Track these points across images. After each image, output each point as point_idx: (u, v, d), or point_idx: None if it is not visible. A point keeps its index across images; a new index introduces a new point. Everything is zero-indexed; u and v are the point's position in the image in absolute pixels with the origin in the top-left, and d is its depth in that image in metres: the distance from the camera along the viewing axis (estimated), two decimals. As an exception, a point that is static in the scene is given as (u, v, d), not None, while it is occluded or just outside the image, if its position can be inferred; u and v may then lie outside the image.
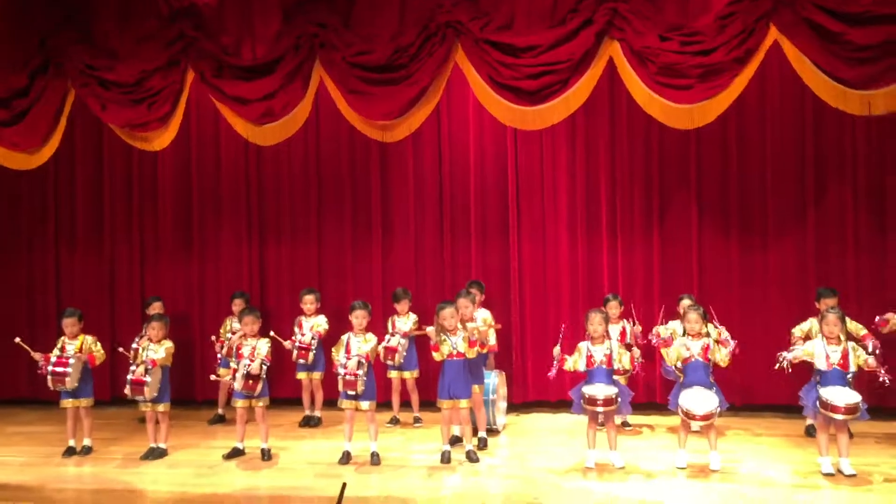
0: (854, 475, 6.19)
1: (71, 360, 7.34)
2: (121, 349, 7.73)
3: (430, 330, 6.91)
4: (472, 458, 6.83)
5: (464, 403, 6.83)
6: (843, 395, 6.15)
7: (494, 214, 9.03)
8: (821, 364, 6.35)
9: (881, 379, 6.23)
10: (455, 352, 6.77)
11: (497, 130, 8.83)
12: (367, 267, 9.25)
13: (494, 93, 7.66)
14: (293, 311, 8.88)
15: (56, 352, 7.47)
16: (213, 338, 8.55)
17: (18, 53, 8.38)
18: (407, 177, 9.21)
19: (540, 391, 8.78)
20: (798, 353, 6.44)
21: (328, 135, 9.27)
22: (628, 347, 7.43)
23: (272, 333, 7.83)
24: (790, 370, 6.45)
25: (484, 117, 8.65)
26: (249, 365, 7.02)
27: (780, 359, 6.44)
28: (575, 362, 6.72)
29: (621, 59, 7.39)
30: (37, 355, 7.41)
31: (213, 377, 7.63)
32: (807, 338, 7.15)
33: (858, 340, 6.86)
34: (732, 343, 6.56)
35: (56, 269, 9.98)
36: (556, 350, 6.72)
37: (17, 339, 7.50)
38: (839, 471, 6.26)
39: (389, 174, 9.25)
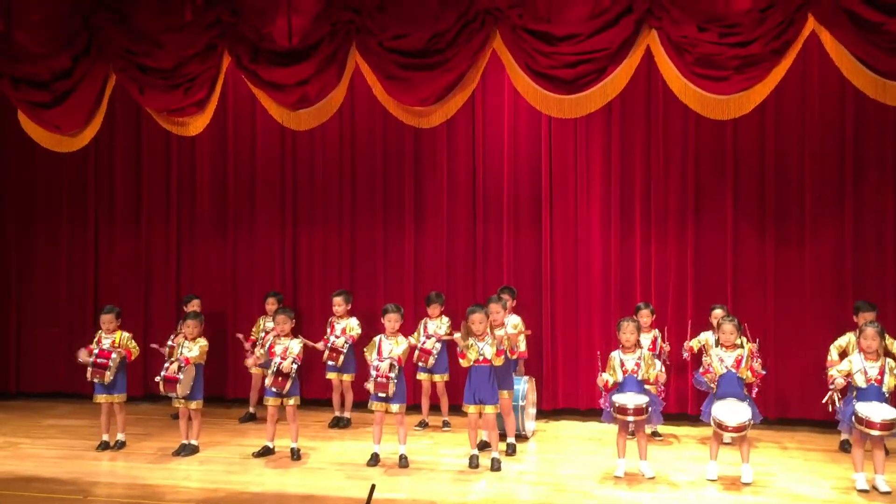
0: (889, 492, 6.09)
1: (113, 355, 7.47)
2: (154, 345, 7.83)
3: (457, 336, 6.91)
4: (494, 466, 6.80)
5: (489, 409, 6.80)
6: (879, 411, 6.05)
7: (527, 206, 8.96)
8: (859, 380, 6.25)
9: None
10: (482, 358, 6.75)
11: (532, 120, 8.80)
12: (399, 260, 9.25)
13: (531, 81, 7.63)
14: (324, 310, 8.94)
15: (94, 346, 7.59)
16: (240, 336, 8.60)
17: (61, 37, 8.45)
18: (440, 166, 9.17)
19: (570, 398, 8.74)
20: (839, 381, 6.33)
21: (363, 121, 9.30)
22: (660, 358, 7.38)
23: (302, 339, 7.90)
24: (840, 399, 6.42)
25: (519, 106, 8.65)
26: (281, 362, 7.07)
27: (831, 401, 6.46)
28: (612, 374, 6.66)
29: (658, 48, 7.34)
30: (82, 352, 7.53)
31: (248, 363, 7.70)
32: (843, 354, 7.04)
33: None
34: (759, 366, 6.54)
35: (95, 256, 10.07)
36: (601, 379, 6.64)
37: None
38: (874, 487, 6.16)
39: (423, 164, 9.22)
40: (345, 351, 8.27)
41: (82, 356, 7.48)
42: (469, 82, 7.81)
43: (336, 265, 9.44)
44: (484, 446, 7.14)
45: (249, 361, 7.77)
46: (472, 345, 6.77)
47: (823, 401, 6.57)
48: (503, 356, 6.80)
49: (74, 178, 10.12)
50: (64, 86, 8.53)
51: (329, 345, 8.25)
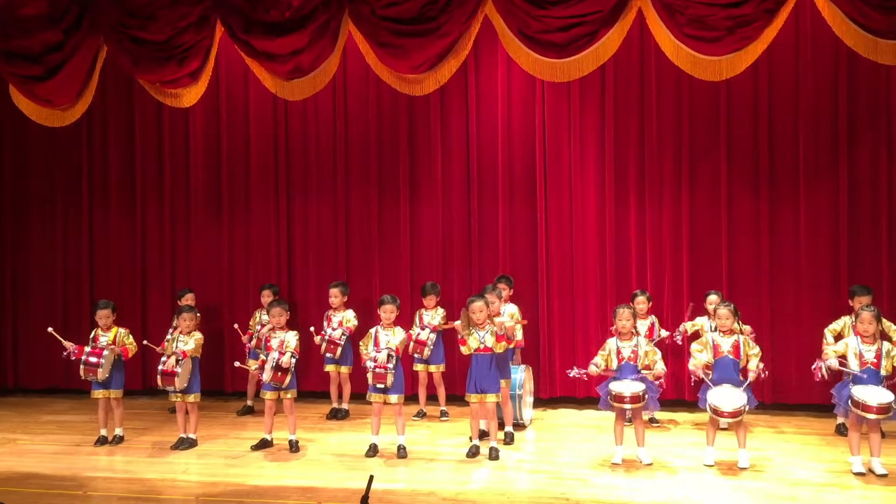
0: (885, 475, 6.12)
1: (105, 352, 7.45)
2: (145, 342, 7.82)
3: (457, 324, 6.92)
4: (493, 455, 6.82)
5: (491, 398, 6.83)
6: (875, 395, 6.07)
7: (521, 177, 8.95)
8: (854, 363, 6.27)
9: None
10: (483, 346, 6.77)
11: (526, 88, 8.83)
12: (395, 230, 9.23)
13: (523, 45, 7.66)
14: (320, 302, 8.95)
15: (90, 343, 7.58)
16: (236, 325, 8.60)
17: (53, 10, 8.36)
18: (435, 139, 9.12)
19: (567, 387, 8.74)
20: (833, 362, 6.36)
21: (355, 92, 9.26)
22: (658, 345, 7.40)
23: (312, 329, 7.90)
24: (827, 377, 6.42)
25: (513, 74, 8.68)
26: (279, 358, 7.08)
27: (819, 369, 6.43)
28: (606, 360, 6.69)
29: (650, 10, 7.36)
30: (68, 344, 7.52)
31: (237, 364, 7.62)
32: (838, 337, 7.06)
33: (892, 342, 6.74)
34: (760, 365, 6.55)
35: (89, 242, 10.04)
36: (592, 365, 6.71)
37: (50, 329, 7.61)
38: (870, 470, 6.19)
39: (416, 137, 9.19)
40: (342, 343, 8.27)
41: (70, 348, 7.49)
42: (461, 49, 7.83)
43: (331, 248, 9.41)
44: (483, 435, 7.15)
45: (238, 364, 7.69)
46: (472, 333, 6.78)
47: (813, 367, 6.56)
48: (504, 342, 6.81)
49: (68, 162, 10.03)
50: (55, 59, 8.47)
51: (326, 337, 8.25)
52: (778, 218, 8.34)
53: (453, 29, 7.66)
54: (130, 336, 7.73)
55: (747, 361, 6.50)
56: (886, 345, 6.35)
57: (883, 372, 6.22)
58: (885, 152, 8.09)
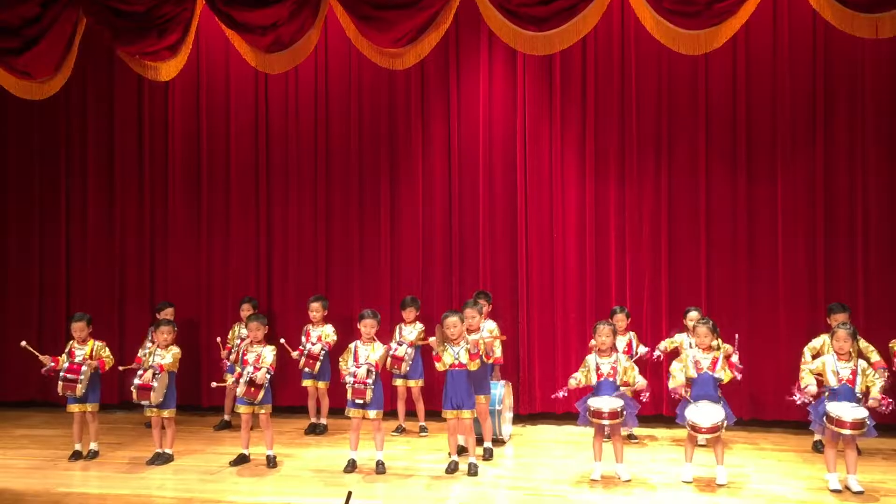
0: (861, 492, 6.15)
1: (84, 368, 7.36)
2: (121, 368, 7.76)
3: (431, 340, 6.91)
4: (472, 471, 6.79)
5: (466, 414, 6.79)
6: (850, 411, 6.12)
7: (501, 157, 8.95)
8: (831, 380, 6.33)
9: (882, 408, 6.21)
10: (457, 362, 6.75)
11: (507, 91, 8.89)
12: (375, 260, 9.23)
13: (504, 19, 7.79)
14: (299, 316, 8.90)
15: (65, 357, 7.49)
16: (219, 339, 8.53)
17: None
18: (416, 151, 9.17)
19: (546, 403, 8.73)
20: (812, 385, 6.42)
21: (336, 67, 9.25)
22: (637, 361, 7.41)
23: (282, 341, 7.83)
24: (812, 400, 6.49)
25: (495, 46, 8.71)
26: (254, 372, 7.02)
27: (800, 397, 6.49)
28: (586, 376, 6.70)
29: None
30: (44, 358, 7.43)
31: (214, 385, 7.58)
32: (817, 355, 7.11)
33: (869, 363, 6.80)
34: (737, 362, 6.59)
35: (66, 251, 9.97)
36: (572, 379, 6.73)
37: (23, 343, 7.50)
38: (847, 487, 6.22)
39: (397, 120, 9.21)
40: (322, 358, 8.23)
41: (46, 363, 7.40)
42: (442, 22, 7.94)
43: (311, 262, 9.40)
44: (461, 451, 7.13)
45: (215, 384, 7.64)
46: (446, 349, 6.77)
47: (788, 397, 6.62)
48: (478, 360, 6.78)
49: (46, 129, 9.97)
50: (33, 31, 8.49)
51: (305, 352, 8.21)
52: (755, 200, 8.41)
53: (434, 2, 7.74)
54: (107, 349, 7.65)
55: (866, 389, 6.33)
56: (862, 363, 6.41)
57: (857, 390, 6.28)
58: (859, 127, 8.17)
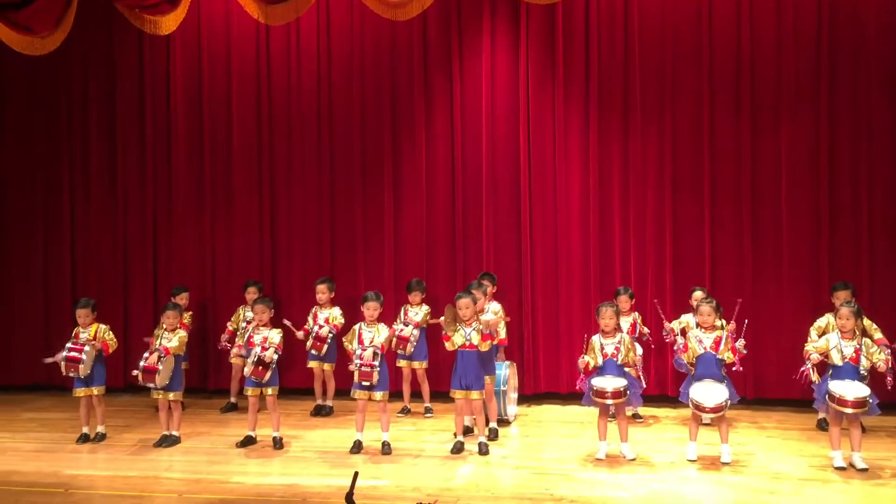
0: (866, 469, 6.18)
1: (86, 348, 7.39)
2: (147, 339, 7.77)
3: (442, 320, 6.92)
4: (482, 450, 6.84)
5: (475, 395, 6.83)
6: (852, 389, 6.14)
7: (505, 174, 8.94)
8: (835, 358, 6.34)
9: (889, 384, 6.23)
10: (469, 343, 6.77)
11: (509, 80, 8.86)
12: (380, 243, 9.24)
13: None
14: (304, 298, 8.92)
15: (71, 342, 7.51)
16: (227, 334, 8.56)
17: None
18: (419, 137, 9.14)
19: (551, 383, 8.79)
20: (814, 357, 6.43)
21: (338, 22, 9.19)
22: (639, 340, 7.44)
23: (286, 322, 7.84)
24: (816, 377, 6.50)
25: (498, 5, 8.70)
26: (262, 352, 7.05)
27: (804, 374, 6.50)
28: (593, 359, 6.72)
29: None
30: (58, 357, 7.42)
31: (46, 360, 7.51)
32: (822, 334, 7.10)
33: (873, 340, 6.80)
34: (742, 341, 6.58)
35: (71, 229, 9.96)
36: (581, 361, 6.73)
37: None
38: (851, 465, 6.25)
39: (400, 133, 9.20)
40: (329, 340, 8.25)
41: (51, 359, 7.43)
42: None
43: (315, 245, 9.39)
44: (468, 431, 7.16)
45: (233, 352, 7.74)
46: (458, 329, 6.78)
47: (795, 377, 6.62)
48: (489, 341, 6.82)
49: (47, 88, 9.95)
50: None
51: (313, 334, 8.23)
52: (759, 156, 8.41)
53: None
54: (111, 332, 7.68)
55: (871, 364, 6.33)
56: (867, 341, 6.42)
57: (861, 368, 6.29)
58: (863, 84, 8.15)
